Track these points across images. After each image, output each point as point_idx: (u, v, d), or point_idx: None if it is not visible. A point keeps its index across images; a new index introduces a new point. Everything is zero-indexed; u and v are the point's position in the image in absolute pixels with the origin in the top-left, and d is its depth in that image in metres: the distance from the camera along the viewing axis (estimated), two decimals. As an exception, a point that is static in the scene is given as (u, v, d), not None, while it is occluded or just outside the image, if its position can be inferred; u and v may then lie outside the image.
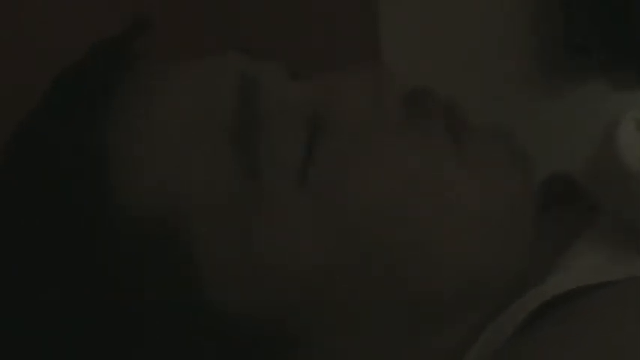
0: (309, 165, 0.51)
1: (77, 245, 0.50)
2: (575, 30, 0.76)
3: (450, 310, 0.52)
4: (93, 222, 0.50)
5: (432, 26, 0.79)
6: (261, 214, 0.50)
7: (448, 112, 0.55)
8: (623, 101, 0.75)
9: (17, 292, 0.51)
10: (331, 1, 0.78)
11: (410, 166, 0.52)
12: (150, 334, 0.50)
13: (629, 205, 0.56)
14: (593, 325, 0.49)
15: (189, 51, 0.56)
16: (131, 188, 0.50)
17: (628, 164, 0.55)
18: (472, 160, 0.53)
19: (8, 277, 0.51)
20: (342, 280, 0.50)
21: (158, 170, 0.50)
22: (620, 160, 0.56)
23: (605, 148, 0.58)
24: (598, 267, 0.54)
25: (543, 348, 0.49)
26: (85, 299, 0.50)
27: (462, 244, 0.52)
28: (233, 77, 0.53)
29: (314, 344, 0.51)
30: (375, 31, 0.78)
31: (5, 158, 0.54)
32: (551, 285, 0.52)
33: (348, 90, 0.54)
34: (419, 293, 0.51)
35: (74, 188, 0.50)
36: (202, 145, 0.51)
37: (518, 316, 0.51)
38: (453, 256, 0.52)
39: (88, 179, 0.50)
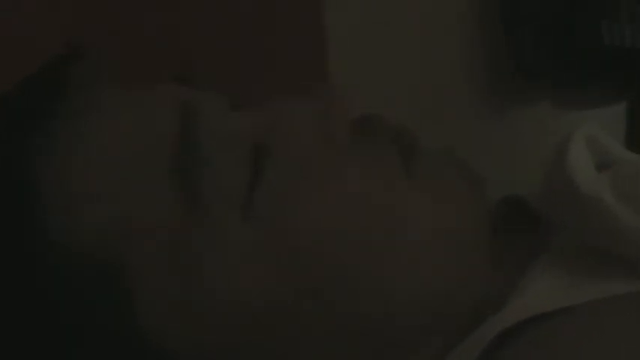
0: (253, 194, 0.50)
1: (11, 283, 0.48)
2: (522, 52, 0.77)
3: (407, 338, 0.51)
4: (27, 257, 0.48)
5: (380, 50, 0.79)
6: (204, 246, 0.49)
7: (397, 136, 0.54)
8: (571, 122, 0.75)
9: None
10: (280, 29, 0.78)
11: (359, 190, 0.51)
12: None
13: (581, 224, 0.56)
14: (553, 355, 0.49)
15: (130, 78, 0.56)
16: (67, 223, 0.49)
17: (578, 183, 0.55)
18: (423, 183, 0.53)
19: None
20: (294, 313, 0.49)
21: (96, 203, 0.49)
22: (570, 179, 0.56)
23: (555, 168, 0.57)
24: (555, 292, 0.54)
25: None
26: (19, 331, 0.48)
27: (416, 268, 0.51)
28: (173, 107, 0.51)
29: None
30: (324, 57, 0.78)
31: None
32: (509, 312, 0.51)
33: (294, 116, 0.53)
34: (374, 322, 0.50)
35: (7, 223, 0.49)
36: (142, 177, 0.49)
37: (477, 346, 0.50)
38: (407, 282, 0.51)
39: (22, 213, 0.49)
